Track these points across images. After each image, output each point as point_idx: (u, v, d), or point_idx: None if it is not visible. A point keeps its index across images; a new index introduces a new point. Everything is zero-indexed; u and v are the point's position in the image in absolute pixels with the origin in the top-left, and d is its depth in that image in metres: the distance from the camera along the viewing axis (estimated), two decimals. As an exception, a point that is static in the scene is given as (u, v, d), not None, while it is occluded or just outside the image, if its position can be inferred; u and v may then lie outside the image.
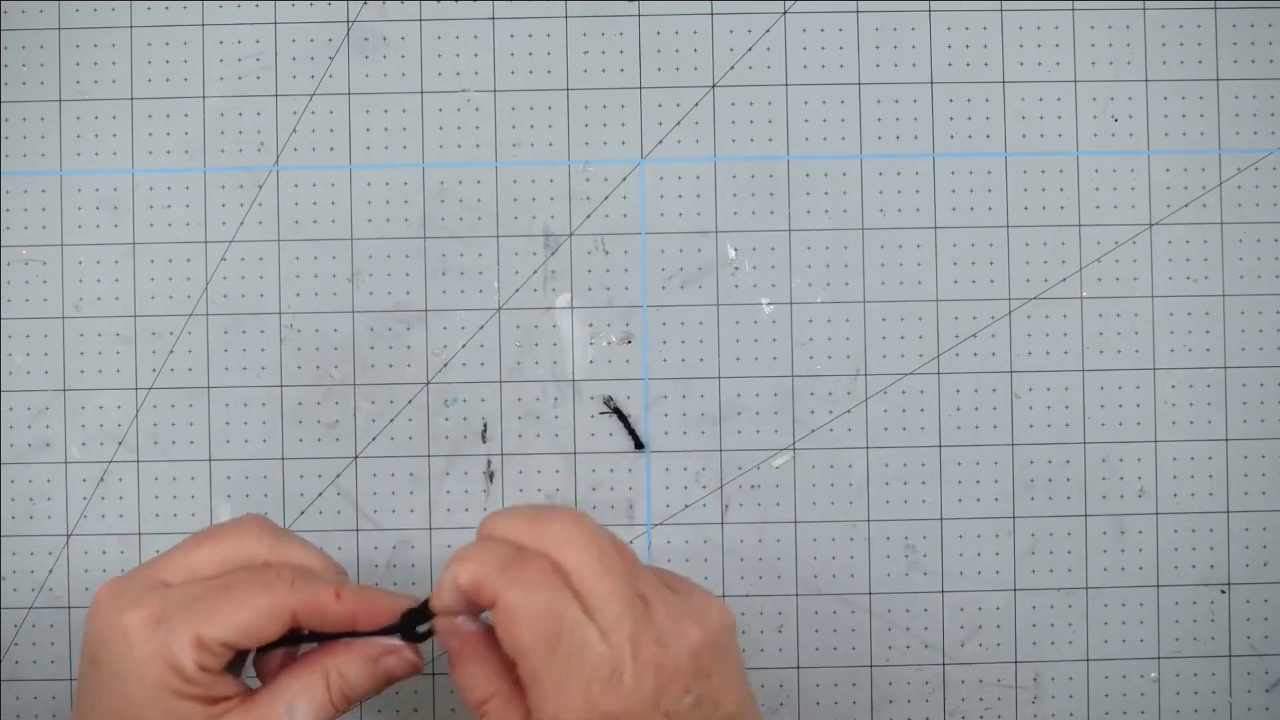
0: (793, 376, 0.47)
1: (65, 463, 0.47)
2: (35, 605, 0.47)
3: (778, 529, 0.47)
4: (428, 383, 0.47)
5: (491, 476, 0.47)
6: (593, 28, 0.47)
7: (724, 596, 0.47)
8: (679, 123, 0.47)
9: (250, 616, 0.36)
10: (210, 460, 0.47)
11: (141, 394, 0.47)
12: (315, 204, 0.47)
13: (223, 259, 0.47)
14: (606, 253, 0.47)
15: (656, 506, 0.47)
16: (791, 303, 0.47)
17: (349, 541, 0.47)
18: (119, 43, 0.47)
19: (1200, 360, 0.47)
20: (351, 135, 0.47)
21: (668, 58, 0.47)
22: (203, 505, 0.47)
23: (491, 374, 0.47)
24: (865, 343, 0.47)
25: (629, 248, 0.47)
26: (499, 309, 0.47)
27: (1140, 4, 0.47)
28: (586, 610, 0.35)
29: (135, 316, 0.47)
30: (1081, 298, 0.47)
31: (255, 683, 0.38)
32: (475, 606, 0.36)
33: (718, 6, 0.47)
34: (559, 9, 0.47)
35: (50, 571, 0.47)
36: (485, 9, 0.47)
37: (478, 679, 0.37)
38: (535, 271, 0.47)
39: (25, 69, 0.47)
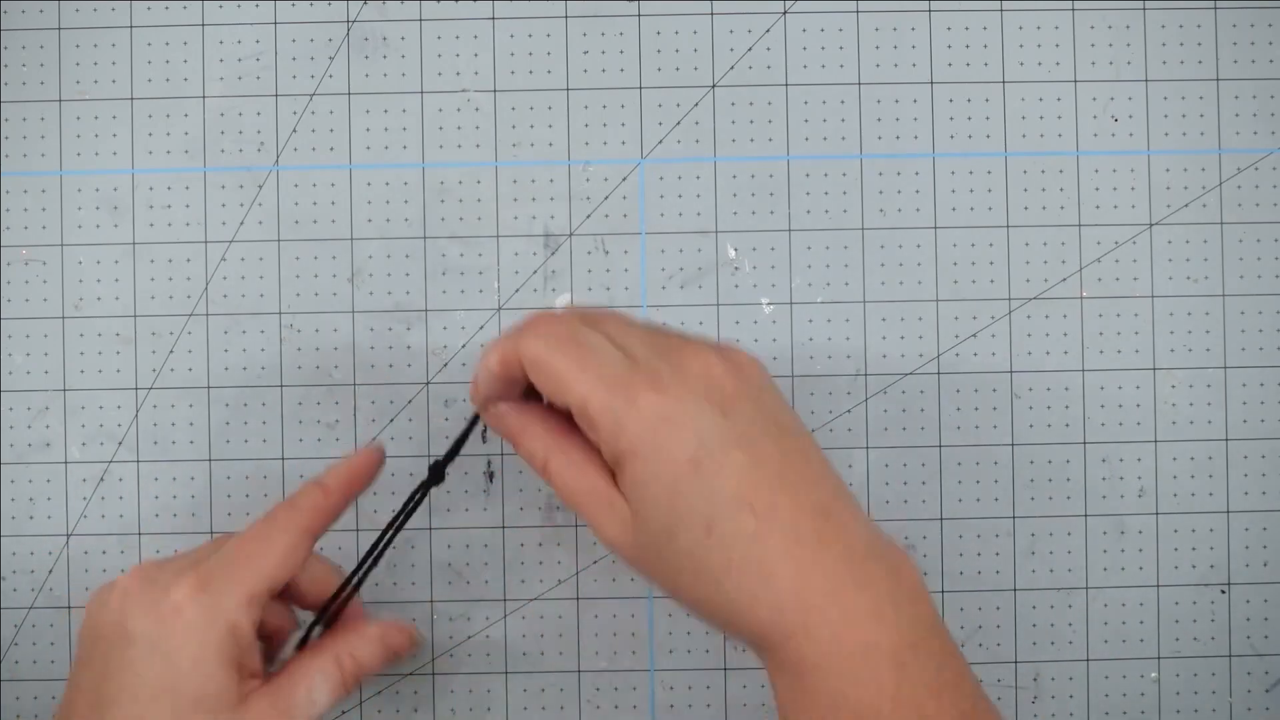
0: (793, 376, 0.47)
1: (65, 463, 0.47)
2: (35, 605, 0.47)
3: (778, 529, 0.47)
4: (428, 383, 0.47)
5: (491, 476, 0.47)
6: (593, 28, 0.47)
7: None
8: (679, 123, 0.47)
9: (281, 554, 0.39)
10: (210, 460, 0.47)
11: (141, 394, 0.47)
12: (315, 204, 0.47)
13: (223, 259, 0.47)
14: (606, 253, 0.47)
15: (656, 506, 0.47)
16: (791, 303, 0.47)
17: (349, 541, 0.47)
18: (119, 43, 0.47)
19: (1200, 360, 0.47)
20: (351, 135, 0.47)
21: (668, 58, 0.47)
22: (203, 505, 0.47)
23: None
24: (865, 343, 0.47)
25: (629, 248, 0.47)
26: (499, 309, 0.47)
27: (1140, 4, 0.47)
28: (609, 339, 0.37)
29: (135, 316, 0.47)
30: (1081, 298, 0.47)
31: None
32: (512, 387, 0.38)
33: (718, 6, 0.47)
34: (559, 9, 0.47)
35: (50, 571, 0.47)
36: (485, 9, 0.47)
37: (535, 445, 0.38)
38: (535, 271, 0.47)
39: (25, 69, 0.47)
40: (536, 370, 0.36)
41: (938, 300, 0.47)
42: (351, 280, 0.47)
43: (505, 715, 0.47)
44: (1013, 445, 0.47)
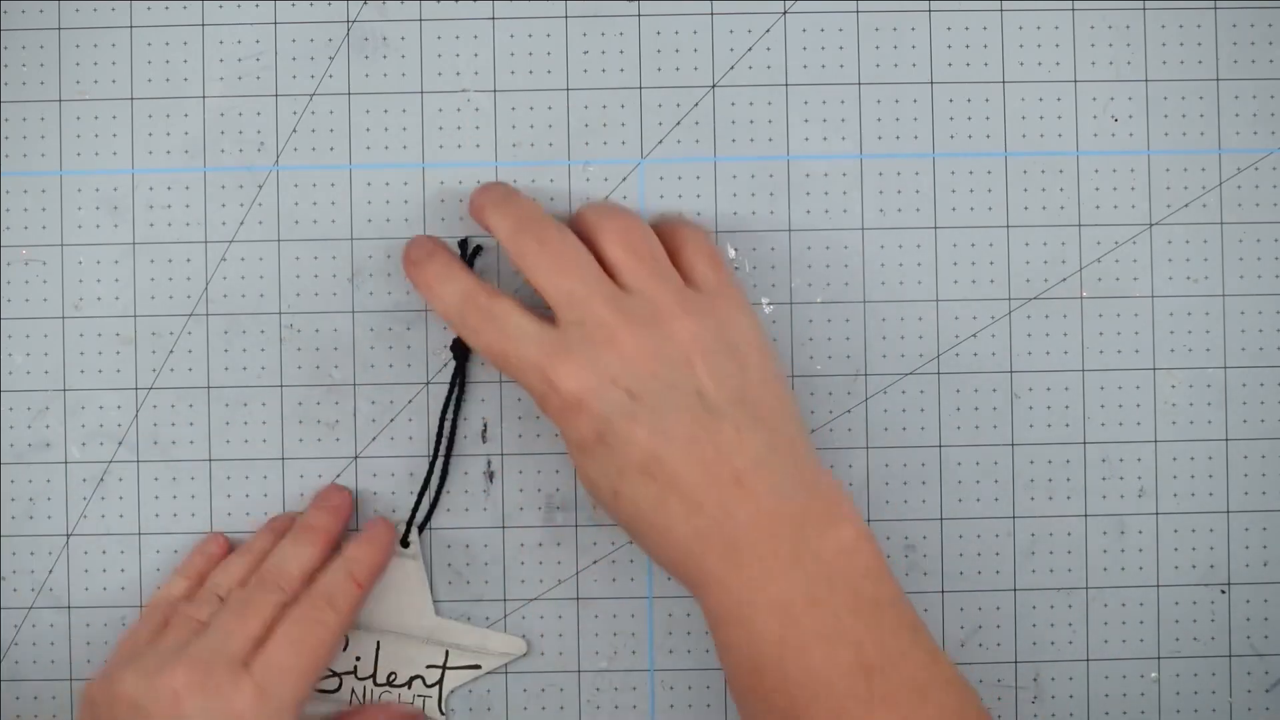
0: (792, 376, 0.47)
1: (65, 463, 0.47)
2: (35, 605, 0.47)
3: (778, 529, 0.47)
4: (428, 383, 0.47)
5: (491, 476, 0.47)
6: (593, 28, 0.47)
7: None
8: (679, 123, 0.47)
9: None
10: (210, 460, 0.47)
11: (141, 394, 0.47)
12: (315, 204, 0.47)
13: (223, 259, 0.47)
14: (606, 253, 0.47)
15: (656, 506, 0.47)
16: (791, 303, 0.47)
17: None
18: (119, 43, 0.47)
19: (1200, 360, 0.47)
20: (351, 135, 0.47)
21: (668, 58, 0.47)
22: (203, 505, 0.47)
23: (492, 374, 0.47)
24: (865, 343, 0.47)
25: (629, 248, 0.47)
26: (499, 309, 0.47)
27: (1140, 4, 0.47)
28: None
29: (135, 316, 0.47)
30: (1081, 298, 0.47)
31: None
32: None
33: (718, 6, 0.47)
34: (559, 9, 0.47)
35: (50, 571, 0.47)
36: (485, 9, 0.47)
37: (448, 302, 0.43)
38: (535, 271, 0.47)
39: (25, 69, 0.47)
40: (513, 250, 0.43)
41: (938, 300, 0.47)
42: (351, 280, 0.47)
43: (505, 715, 0.47)
44: (1013, 445, 0.47)
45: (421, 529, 0.46)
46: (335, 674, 0.45)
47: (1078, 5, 0.47)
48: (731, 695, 0.41)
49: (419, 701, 0.45)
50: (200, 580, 0.45)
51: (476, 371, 0.47)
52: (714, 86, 0.47)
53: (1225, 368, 0.47)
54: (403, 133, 0.47)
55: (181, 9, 0.47)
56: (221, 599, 0.43)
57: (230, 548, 0.46)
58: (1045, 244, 0.47)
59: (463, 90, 0.47)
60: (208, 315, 0.47)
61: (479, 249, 0.46)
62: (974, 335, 0.47)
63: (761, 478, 0.39)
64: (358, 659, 0.46)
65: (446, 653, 0.46)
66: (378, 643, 0.46)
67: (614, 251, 0.42)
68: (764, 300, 0.47)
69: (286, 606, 0.42)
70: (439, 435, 0.46)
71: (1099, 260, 0.47)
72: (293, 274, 0.47)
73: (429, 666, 0.46)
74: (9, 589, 0.47)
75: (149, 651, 0.42)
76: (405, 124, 0.47)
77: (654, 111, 0.47)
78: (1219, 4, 0.47)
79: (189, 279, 0.47)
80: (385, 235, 0.47)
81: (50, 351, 0.47)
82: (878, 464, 0.47)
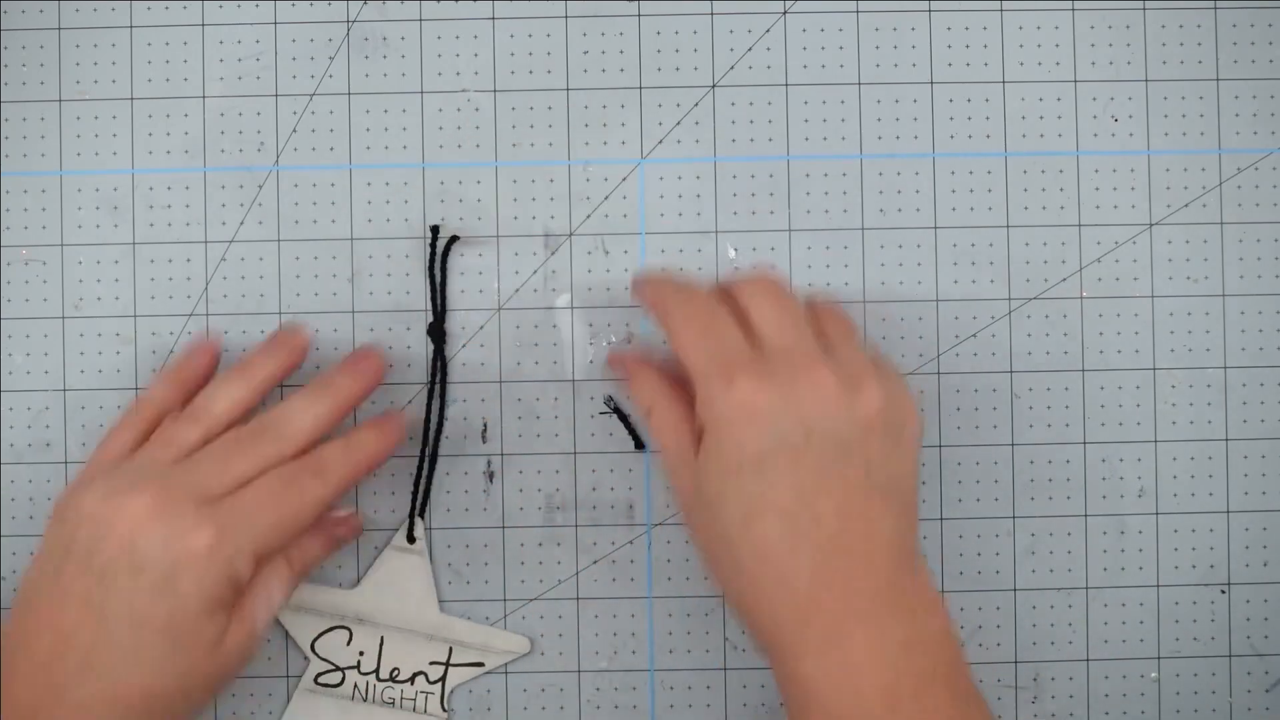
0: (793, 376, 0.47)
1: (65, 463, 0.47)
2: (35, 605, 0.47)
3: (778, 529, 0.47)
4: (427, 383, 0.47)
5: (491, 476, 0.47)
6: (593, 28, 0.47)
7: (724, 597, 0.46)
8: (679, 123, 0.47)
9: (296, 529, 0.41)
10: (210, 460, 0.47)
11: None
12: (315, 204, 0.47)
13: (223, 259, 0.47)
14: (607, 253, 0.47)
15: (657, 506, 0.47)
16: (791, 303, 0.47)
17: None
18: (119, 43, 0.47)
19: (1200, 360, 0.47)
20: (351, 135, 0.47)
21: (668, 58, 0.47)
22: (203, 505, 0.47)
23: (491, 374, 0.47)
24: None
25: (629, 248, 0.47)
26: (499, 309, 0.47)
27: (1140, 4, 0.47)
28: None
29: (135, 316, 0.47)
30: (1081, 298, 0.47)
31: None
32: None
33: (718, 6, 0.47)
34: (559, 9, 0.47)
35: (50, 571, 0.47)
36: (485, 9, 0.47)
37: (644, 391, 0.42)
38: (535, 271, 0.47)
39: (25, 69, 0.47)
40: (662, 321, 0.42)
41: (938, 300, 0.47)
42: (351, 280, 0.47)
43: (505, 715, 0.47)
44: (1013, 445, 0.47)
45: (422, 513, 0.46)
46: (339, 668, 0.45)
47: (1078, 5, 0.47)
48: None
49: (421, 699, 0.45)
50: (186, 391, 0.44)
51: (476, 371, 0.47)
52: (714, 86, 0.47)
53: (1225, 368, 0.47)
54: (403, 133, 0.47)
55: (181, 9, 0.47)
56: (212, 431, 0.42)
57: (218, 359, 0.45)
58: (1045, 244, 0.47)
59: (463, 90, 0.47)
60: (208, 315, 0.47)
61: (454, 238, 0.46)
62: (974, 335, 0.47)
63: (890, 559, 0.38)
64: (361, 654, 0.46)
65: (450, 650, 0.46)
66: (381, 638, 0.46)
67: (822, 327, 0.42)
68: (764, 300, 0.47)
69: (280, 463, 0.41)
70: (426, 421, 0.46)
71: (1099, 260, 0.47)
72: (293, 274, 0.47)
73: (432, 663, 0.46)
74: (9, 589, 0.47)
75: (122, 468, 0.41)
76: (405, 124, 0.47)
77: (654, 111, 0.47)
78: (1219, 4, 0.47)
79: (189, 279, 0.47)
80: (385, 235, 0.47)
81: (50, 351, 0.47)
82: (878, 464, 0.47)
